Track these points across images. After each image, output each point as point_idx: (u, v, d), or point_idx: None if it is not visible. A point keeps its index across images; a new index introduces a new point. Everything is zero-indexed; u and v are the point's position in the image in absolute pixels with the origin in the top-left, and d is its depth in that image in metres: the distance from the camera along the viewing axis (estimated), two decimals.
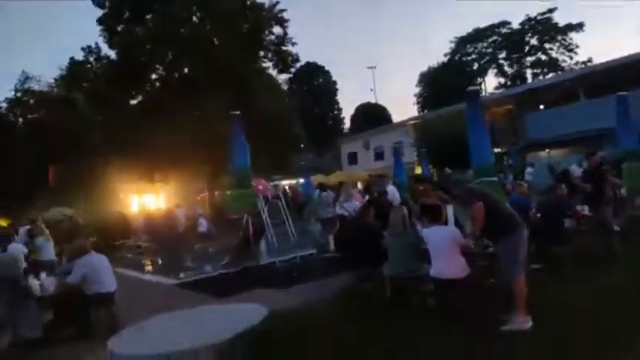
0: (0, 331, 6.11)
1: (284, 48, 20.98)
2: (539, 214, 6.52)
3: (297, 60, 21.37)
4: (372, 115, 48.85)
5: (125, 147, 19.26)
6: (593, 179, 6.81)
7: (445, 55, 50.28)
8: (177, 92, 19.01)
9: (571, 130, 23.03)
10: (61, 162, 19.76)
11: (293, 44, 20.92)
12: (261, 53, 21.00)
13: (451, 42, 49.62)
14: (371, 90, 67.19)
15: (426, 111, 50.00)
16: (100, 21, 20.44)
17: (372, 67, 64.55)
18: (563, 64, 44.86)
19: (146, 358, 4.03)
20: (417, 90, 52.88)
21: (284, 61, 21.18)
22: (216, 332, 5.03)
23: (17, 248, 7.98)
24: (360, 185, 20.08)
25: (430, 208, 5.04)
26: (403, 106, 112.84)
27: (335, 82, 53.63)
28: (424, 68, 51.65)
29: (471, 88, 7.44)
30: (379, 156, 39.56)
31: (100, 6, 20.08)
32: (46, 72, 71.02)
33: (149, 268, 11.72)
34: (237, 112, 9.33)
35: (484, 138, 6.78)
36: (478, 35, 47.65)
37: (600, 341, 3.83)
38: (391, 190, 7.90)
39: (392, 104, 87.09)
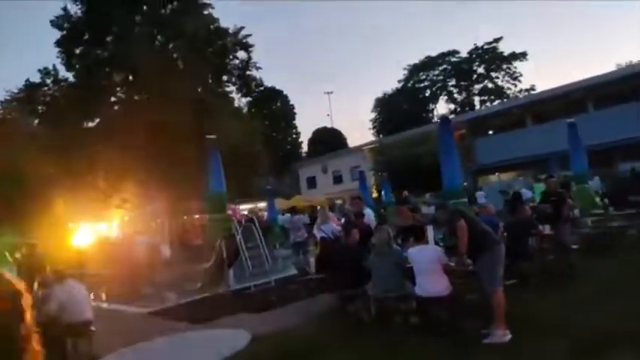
0: None
1: (248, 73, 21.24)
2: (505, 233, 6.99)
3: (261, 85, 21.63)
4: (329, 140, 49.72)
5: (81, 171, 18.68)
6: (552, 201, 7.40)
7: (399, 81, 52.28)
8: (137, 115, 18.72)
9: (519, 154, 24.53)
10: (7, 188, 18.78)
11: (257, 69, 21.24)
12: (225, 77, 21.10)
13: (404, 69, 51.71)
14: (327, 115, 69.06)
15: (381, 135, 51.56)
16: (58, 43, 19.96)
17: (329, 93, 66.30)
18: (508, 92, 47.66)
19: None
20: (373, 115, 54.50)
21: (248, 85, 21.39)
22: (202, 357, 5.06)
23: None
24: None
25: (413, 228, 5.34)
26: (358, 131, 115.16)
27: (293, 106, 54.37)
28: (379, 94, 53.36)
29: (443, 114, 7.97)
30: (337, 179, 40.19)
31: (59, 27, 19.63)
32: None
33: (114, 297, 11.30)
34: (213, 137, 9.42)
35: (455, 162, 7.24)
36: (430, 63, 49.94)
37: (576, 349, 4.20)
38: (367, 212, 8.17)
39: (348, 129, 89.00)
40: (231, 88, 21.84)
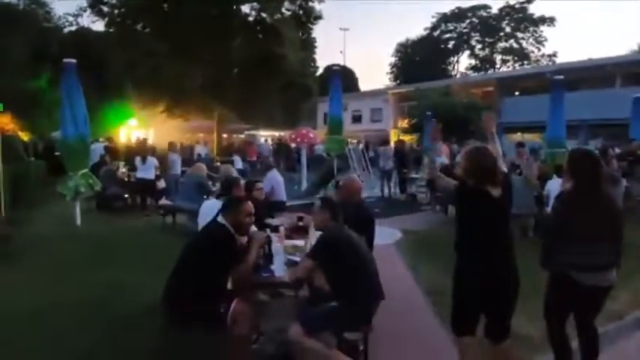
0: None
1: (310, 4, 21.83)
2: None
3: (320, 17, 22.28)
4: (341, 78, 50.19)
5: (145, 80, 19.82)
6: (628, 160, 9.18)
7: (425, 29, 52.20)
8: (205, 31, 19.46)
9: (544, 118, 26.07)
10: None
11: (320, 1, 21.84)
12: (288, 5, 21.70)
13: (432, 17, 51.52)
14: (341, 52, 68.47)
15: (398, 81, 52.30)
16: None
17: (344, 29, 65.33)
18: (532, 55, 48.29)
19: None
20: (392, 60, 54.80)
21: (307, 15, 22.03)
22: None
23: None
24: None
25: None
26: (373, 73, 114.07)
27: (314, 39, 54.11)
28: (397, 39, 53.31)
29: (556, 77, 9.39)
30: (357, 119, 41.44)
31: None
32: None
33: None
34: (338, 67, 10.79)
35: (561, 118, 8.85)
36: (459, 14, 49.77)
37: None
38: None
39: (361, 70, 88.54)
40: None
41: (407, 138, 31.17)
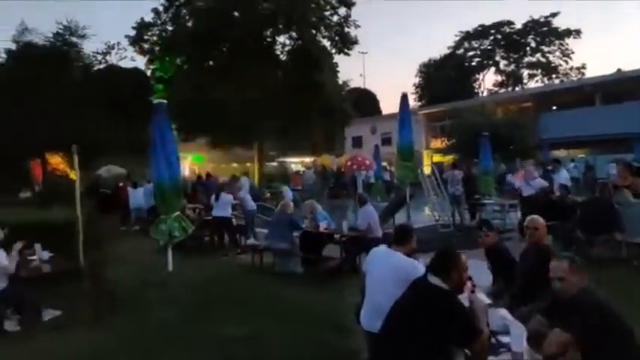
0: None
1: (346, 30, 21.83)
2: None
3: (356, 42, 22.21)
4: (363, 101, 49.96)
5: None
6: None
7: (448, 48, 52.07)
8: (244, 63, 19.51)
9: (589, 132, 25.31)
10: None
11: (356, 27, 21.81)
12: (324, 32, 21.72)
13: (455, 35, 51.43)
14: (360, 75, 68.45)
15: (423, 101, 51.98)
16: None
17: (363, 53, 65.50)
18: (560, 68, 47.59)
19: None
20: (415, 80, 54.63)
21: (344, 42, 22.01)
22: None
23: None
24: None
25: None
26: (393, 95, 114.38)
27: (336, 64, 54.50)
28: (417, 60, 53.18)
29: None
30: (386, 141, 41.08)
31: None
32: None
33: None
34: (405, 93, 10.43)
35: None
36: (482, 32, 49.59)
37: None
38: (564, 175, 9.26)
39: (381, 92, 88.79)
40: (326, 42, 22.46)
41: (439, 158, 30.69)
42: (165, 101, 6.58)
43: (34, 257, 5.52)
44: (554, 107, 30.70)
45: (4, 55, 25.15)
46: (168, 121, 6.58)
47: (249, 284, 6.66)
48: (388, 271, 3.24)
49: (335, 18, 21.94)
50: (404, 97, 10.44)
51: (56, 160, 16.65)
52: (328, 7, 21.59)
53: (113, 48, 24.70)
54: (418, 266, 3.20)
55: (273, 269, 7.41)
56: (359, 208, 7.33)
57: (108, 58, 26.26)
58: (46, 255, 5.53)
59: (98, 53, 25.82)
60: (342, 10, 21.80)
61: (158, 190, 6.46)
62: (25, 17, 47.80)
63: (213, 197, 9.16)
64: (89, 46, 45.08)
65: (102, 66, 27.06)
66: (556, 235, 7.44)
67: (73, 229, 6.72)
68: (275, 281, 6.82)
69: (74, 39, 26.61)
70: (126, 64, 23.86)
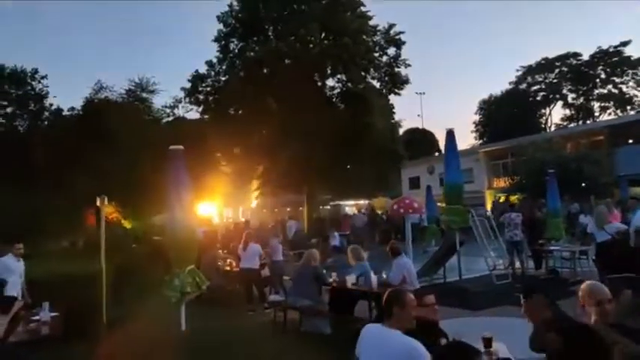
0: None
1: (396, 69, 21.39)
2: None
3: (408, 81, 21.64)
4: (421, 141, 48.75)
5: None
6: None
7: (510, 83, 50.28)
8: (293, 107, 19.48)
9: None
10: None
11: (407, 66, 21.33)
12: (373, 72, 21.43)
13: (517, 70, 49.66)
14: (418, 115, 67.50)
15: (484, 139, 49.88)
16: (216, 39, 21.43)
17: (420, 93, 64.97)
18: (635, 99, 44.23)
19: None
20: (475, 118, 52.86)
21: (394, 82, 21.54)
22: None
23: None
24: None
25: None
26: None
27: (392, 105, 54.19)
28: (472, 96, 51.65)
29: None
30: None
31: (224, 23, 21.06)
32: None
33: None
34: (451, 129, 9.57)
35: None
36: (546, 65, 47.47)
37: None
38: None
39: (440, 131, 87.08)
40: (376, 83, 22.12)
41: (504, 199, 28.54)
42: (181, 147, 6.27)
43: (38, 317, 5.18)
44: (631, 141, 27.95)
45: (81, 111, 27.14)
46: (183, 166, 6.23)
47: (268, 347, 5.94)
48: None
49: (384, 58, 21.61)
50: (449, 134, 9.59)
51: (109, 210, 17.10)
52: (377, 48, 21.36)
53: (180, 101, 26.13)
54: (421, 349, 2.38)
55: (299, 328, 6.65)
56: (392, 259, 6.46)
57: (175, 111, 27.82)
58: (48, 315, 5.17)
59: (167, 107, 27.33)
60: (392, 50, 21.48)
61: (172, 238, 6.06)
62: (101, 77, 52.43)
63: (240, 247, 8.64)
64: (159, 101, 48.14)
65: (170, 118, 28.57)
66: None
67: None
68: (299, 343, 6.08)
69: (144, 94, 28.37)
70: (192, 115, 24.77)
